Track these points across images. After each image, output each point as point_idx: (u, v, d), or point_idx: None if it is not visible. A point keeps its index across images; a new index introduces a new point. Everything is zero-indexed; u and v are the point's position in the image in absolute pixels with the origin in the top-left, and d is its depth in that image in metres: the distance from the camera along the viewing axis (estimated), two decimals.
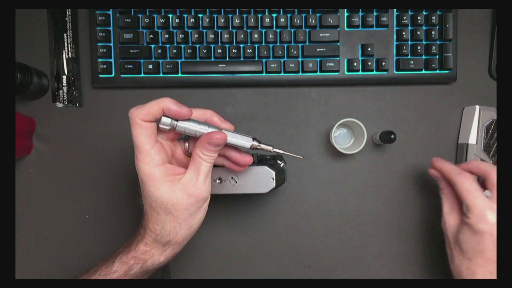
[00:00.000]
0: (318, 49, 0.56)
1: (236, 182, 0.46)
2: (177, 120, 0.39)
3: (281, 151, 0.44)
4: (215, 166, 0.44)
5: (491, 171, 0.46)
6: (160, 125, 0.39)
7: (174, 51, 0.55)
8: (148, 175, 0.39)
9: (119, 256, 0.42)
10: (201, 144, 0.39)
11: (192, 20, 0.55)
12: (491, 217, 0.44)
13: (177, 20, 0.55)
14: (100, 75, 0.56)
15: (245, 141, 0.42)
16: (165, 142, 0.41)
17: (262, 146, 0.43)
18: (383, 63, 0.56)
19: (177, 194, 0.39)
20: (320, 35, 0.56)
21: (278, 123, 0.58)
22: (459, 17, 0.57)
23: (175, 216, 0.40)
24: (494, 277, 0.44)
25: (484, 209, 0.45)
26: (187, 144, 0.43)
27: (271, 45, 0.56)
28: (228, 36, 0.55)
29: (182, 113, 0.38)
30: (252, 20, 0.55)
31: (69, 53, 0.57)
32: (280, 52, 0.56)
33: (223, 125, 0.42)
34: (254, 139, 0.42)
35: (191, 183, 0.39)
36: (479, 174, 0.48)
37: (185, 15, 0.55)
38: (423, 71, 0.57)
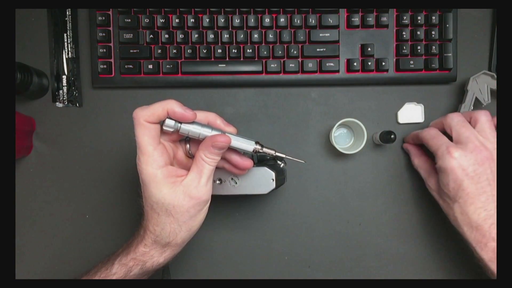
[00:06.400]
0: (318, 49, 0.56)
1: (236, 183, 0.46)
2: (181, 123, 0.39)
3: (284, 155, 0.44)
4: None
5: (446, 117, 0.50)
6: (164, 127, 0.39)
7: (174, 51, 0.55)
8: (150, 176, 0.39)
9: (118, 258, 0.42)
10: (205, 147, 0.39)
11: (192, 20, 0.55)
12: (456, 153, 0.46)
13: (177, 20, 0.55)
14: (100, 75, 0.56)
15: (248, 145, 0.42)
16: (167, 144, 0.41)
17: (265, 150, 0.43)
18: (383, 63, 0.56)
19: (178, 196, 0.39)
20: (320, 35, 0.56)
21: (278, 123, 0.58)
22: (459, 17, 0.57)
23: (176, 218, 0.40)
24: (486, 212, 0.45)
25: (448, 147, 0.47)
26: (188, 146, 0.43)
27: (271, 45, 0.56)
28: (228, 36, 0.55)
29: (187, 116, 0.38)
30: (252, 20, 0.55)
31: (69, 53, 0.57)
32: (280, 52, 0.56)
33: (227, 128, 0.42)
34: (257, 142, 0.42)
35: (193, 185, 0.39)
36: (441, 127, 0.51)
37: (185, 15, 0.55)
38: (423, 71, 0.57)
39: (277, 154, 0.44)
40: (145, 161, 0.38)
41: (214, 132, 0.40)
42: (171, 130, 0.39)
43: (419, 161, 0.55)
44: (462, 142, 0.47)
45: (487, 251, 0.45)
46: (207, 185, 0.40)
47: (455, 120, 0.48)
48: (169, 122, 0.39)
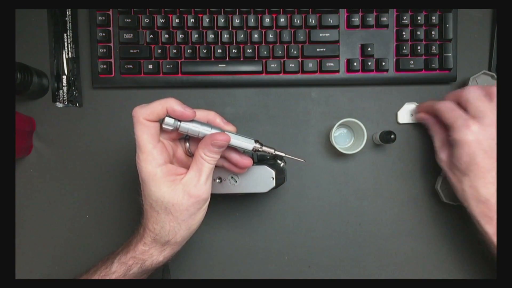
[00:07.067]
0: (318, 49, 0.56)
1: (236, 181, 0.46)
2: (180, 121, 0.39)
3: (283, 154, 0.44)
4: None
5: (463, 91, 0.49)
6: (164, 125, 0.39)
7: (174, 51, 0.55)
8: (150, 175, 0.39)
9: (118, 257, 0.42)
10: (204, 145, 0.39)
11: (192, 20, 0.55)
12: (474, 126, 0.46)
13: (177, 20, 0.55)
14: (100, 75, 0.56)
15: (248, 143, 0.42)
16: (167, 142, 0.41)
17: (264, 148, 0.43)
18: (383, 63, 0.56)
19: (178, 194, 0.39)
20: (320, 35, 0.56)
21: (278, 123, 0.58)
22: (459, 17, 0.57)
23: (175, 216, 0.40)
24: (495, 187, 0.45)
25: (466, 120, 0.47)
26: (187, 144, 0.43)
27: (271, 45, 0.56)
28: (228, 36, 0.55)
29: (186, 114, 0.39)
30: (252, 20, 0.55)
31: (69, 53, 0.57)
32: (280, 52, 0.56)
33: (226, 127, 0.42)
34: (256, 141, 0.42)
35: (192, 184, 0.39)
36: (457, 100, 0.50)
37: (185, 15, 0.55)
38: (423, 71, 0.57)
39: (277, 152, 0.44)
40: (145, 159, 0.38)
41: (214, 131, 0.40)
42: (171, 128, 0.39)
43: (437, 129, 0.53)
44: (479, 116, 0.46)
45: (492, 225, 0.45)
46: (207, 184, 0.40)
47: (473, 94, 0.48)
48: (168, 120, 0.39)
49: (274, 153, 0.43)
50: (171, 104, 0.38)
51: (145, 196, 0.40)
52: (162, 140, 0.40)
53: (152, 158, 0.38)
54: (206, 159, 0.39)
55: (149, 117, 0.38)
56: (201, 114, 0.41)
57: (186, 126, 0.40)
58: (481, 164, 0.46)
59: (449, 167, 0.50)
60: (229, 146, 0.41)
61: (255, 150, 0.42)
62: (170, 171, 0.39)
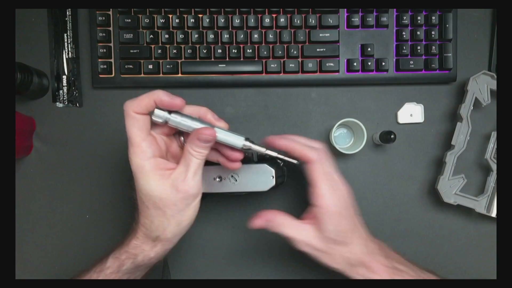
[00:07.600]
0: (318, 49, 0.56)
1: (236, 180, 0.46)
2: (170, 113, 0.39)
3: (275, 154, 0.43)
4: (214, 164, 0.44)
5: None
6: (153, 118, 0.39)
7: (174, 51, 0.55)
8: (138, 167, 0.39)
9: (113, 253, 0.43)
10: (191, 139, 0.39)
11: (192, 20, 0.55)
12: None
13: (177, 20, 0.55)
14: (100, 75, 0.56)
15: (237, 140, 0.41)
16: (160, 137, 0.41)
17: (254, 147, 0.42)
18: (383, 63, 0.56)
19: (166, 188, 0.39)
20: (320, 35, 0.56)
21: (278, 123, 0.58)
22: (459, 17, 0.57)
23: (163, 211, 0.39)
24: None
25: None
26: (182, 138, 0.43)
27: (271, 45, 0.56)
28: (228, 36, 0.55)
29: (175, 103, 0.39)
30: (252, 20, 0.55)
31: (69, 53, 0.57)
32: (280, 52, 0.56)
33: (217, 123, 0.42)
34: (247, 139, 0.42)
35: (180, 179, 0.39)
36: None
37: (185, 15, 0.55)
38: (423, 71, 0.57)
39: (267, 152, 0.43)
40: (134, 152, 0.39)
41: (203, 126, 0.40)
42: (160, 120, 0.39)
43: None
44: None
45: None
46: (194, 179, 0.39)
47: None
48: (158, 112, 0.39)
49: (265, 153, 0.43)
50: (159, 95, 0.38)
51: (136, 190, 0.40)
52: (154, 135, 0.40)
53: (141, 151, 0.38)
54: (194, 154, 0.39)
55: (137, 110, 0.38)
56: (193, 109, 0.41)
57: (176, 120, 0.39)
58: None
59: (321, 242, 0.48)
60: (220, 142, 0.41)
61: (245, 148, 0.41)
62: (159, 165, 0.39)
